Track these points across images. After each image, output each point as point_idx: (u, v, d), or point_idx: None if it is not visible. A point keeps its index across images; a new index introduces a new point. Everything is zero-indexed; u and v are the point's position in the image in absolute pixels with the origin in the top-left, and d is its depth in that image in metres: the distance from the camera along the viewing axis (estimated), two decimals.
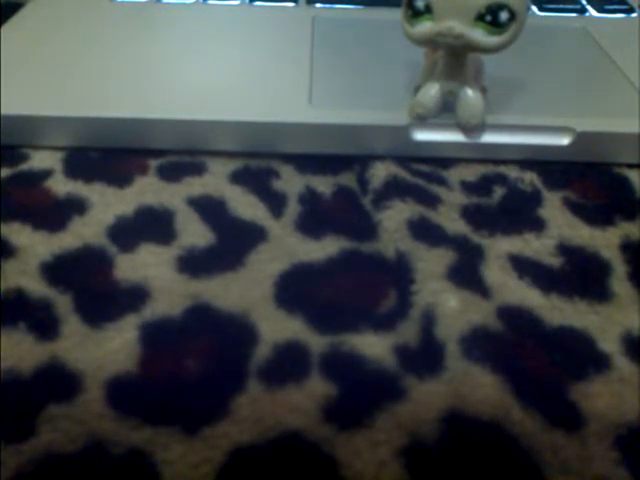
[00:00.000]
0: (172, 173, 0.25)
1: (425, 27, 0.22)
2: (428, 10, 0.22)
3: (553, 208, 0.24)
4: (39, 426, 0.17)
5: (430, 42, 0.23)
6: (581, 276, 0.22)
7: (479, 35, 0.22)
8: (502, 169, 0.26)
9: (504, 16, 0.21)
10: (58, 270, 0.21)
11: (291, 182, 0.25)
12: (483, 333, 0.20)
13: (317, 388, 0.18)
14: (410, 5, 0.22)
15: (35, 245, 0.22)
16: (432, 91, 0.25)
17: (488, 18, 0.21)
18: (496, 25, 0.21)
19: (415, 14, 0.22)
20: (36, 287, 0.21)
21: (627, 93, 0.28)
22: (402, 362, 0.19)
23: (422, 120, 0.25)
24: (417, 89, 0.26)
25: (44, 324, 0.19)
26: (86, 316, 0.20)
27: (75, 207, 0.23)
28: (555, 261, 0.22)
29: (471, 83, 0.24)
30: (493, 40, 0.22)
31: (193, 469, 0.16)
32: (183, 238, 0.23)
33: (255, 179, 0.25)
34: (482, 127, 0.25)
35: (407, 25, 0.23)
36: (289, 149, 0.26)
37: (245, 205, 0.24)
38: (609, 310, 0.21)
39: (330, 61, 0.29)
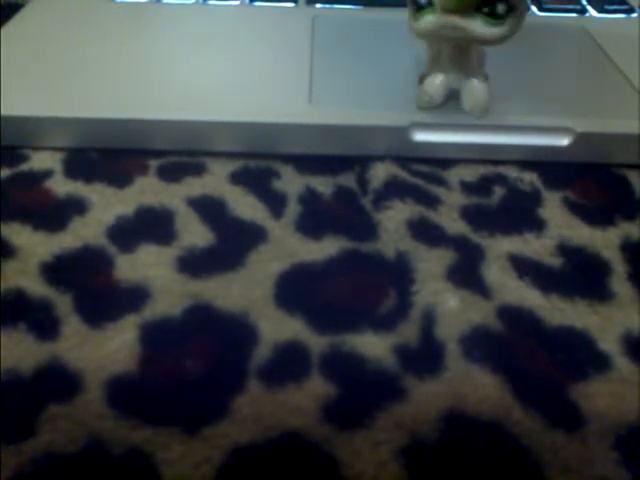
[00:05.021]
0: (172, 173, 0.25)
1: (428, 21, 0.22)
2: (430, 4, 0.22)
3: (553, 208, 0.24)
4: (39, 426, 0.17)
5: (434, 35, 0.23)
6: (581, 276, 0.22)
7: (479, 26, 0.22)
8: (502, 169, 0.26)
9: (501, 8, 0.22)
10: (58, 270, 0.21)
11: (291, 182, 0.25)
12: (483, 333, 0.20)
13: (317, 388, 0.18)
14: (414, 1, 0.23)
15: (35, 245, 0.22)
16: (437, 80, 0.25)
17: (485, 9, 0.22)
18: (494, 17, 0.22)
19: (419, 9, 0.22)
20: (36, 287, 0.21)
21: (627, 94, 0.28)
22: (402, 362, 0.19)
23: (428, 109, 0.25)
24: (422, 78, 0.26)
25: (44, 324, 0.19)
26: (86, 316, 0.20)
27: (75, 207, 0.24)
28: (555, 261, 0.22)
29: (476, 73, 0.25)
30: (493, 31, 0.22)
31: (193, 469, 0.16)
32: (183, 238, 0.23)
33: (255, 179, 0.25)
34: (487, 114, 0.26)
35: (412, 21, 0.23)
36: (289, 150, 0.26)
37: (245, 205, 0.24)
38: (609, 310, 0.21)
39: (330, 61, 0.29)
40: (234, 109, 0.26)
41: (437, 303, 0.20)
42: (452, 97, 0.26)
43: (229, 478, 0.16)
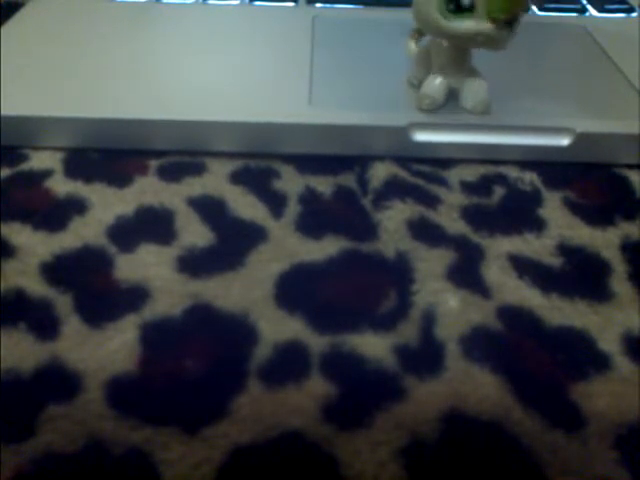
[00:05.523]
0: (172, 173, 0.25)
1: (467, 24, 0.22)
2: (471, 8, 0.22)
3: (553, 208, 0.24)
4: (39, 426, 0.17)
5: (466, 39, 0.23)
6: (581, 276, 0.22)
7: (505, 35, 0.22)
8: (502, 169, 0.26)
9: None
10: (58, 270, 0.21)
11: (291, 182, 0.25)
12: (483, 333, 0.20)
13: (317, 388, 0.18)
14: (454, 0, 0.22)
15: (35, 245, 0.22)
16: (437, 82, 0.25)
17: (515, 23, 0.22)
18: (511, 24, 0.22)
19: (458, 9, 0.22)
20: (36, 287, 0.21)
21: (627, 94, 0.28)
22: (402, 362, 0.19)
23: (430, 111, 0.25)
24: (413, 80, 0.27)
25: (44, 324, 0.19)
26: (86, 316, 0.20)
27: (75, 207, 0.24)
28: (555, 261, 0.22)
29: (475, 72, 0.25)
30: (508, 37, 0.23)
31: (193, 469, 0.16)
32: (183, 238, 0.23)
33: (255, 179, 0.25)
34: (489, 111, 0.26)
35: (441, 18, 0.23)
36: (289, 150, 0.26)
37: (245, 205, 0.24)
38: (609, 310, 0.21)
39: (330, 61, 0.29)
40: (234, 109, 0.26)
41: (437, 303, 0.20)
42: (451, 97, 0.26)
43: (229, 478, 0.16)
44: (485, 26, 0.22)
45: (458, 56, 0.25)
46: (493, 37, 0.22)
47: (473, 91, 0.25)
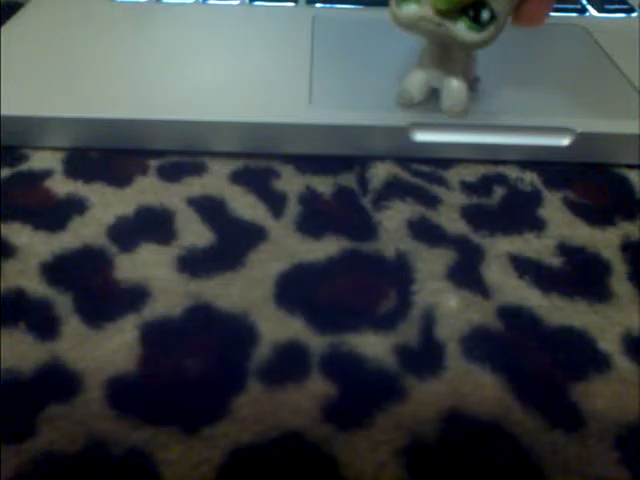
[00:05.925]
0: (172, 173, 0.25)
1: (411, 9, 0.22)
2: None
3: (553, 208, 0.24)
4: (39, 426, 0.17)
5: (413, 26, 0.23)
6: (581, 276, 0.22)
7: (461, 29, 0.22)
8: (502, 169, 0.26)
9: (485, 15, 0.22)
10: (58, 270, 0.21)
11: (291, 182, 0.25)
12: (483, 333, 0.20)
13: (317, 388, 0.18)
14: None
15: (35, 245, 0.22)
16: (416, 78, 0.25)
17: (471, 13, 0.22)
18: (477, 22, 0.22)
19: None
20: (36, 287, 0.21)
21: (627, 94, 0.28)
22: (402, 362, 0.19)
23: (407, 106, 0.26)
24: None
25: (44, 324, 0.19)
26: (86, 316, 0.20)
27: (75, 207, 0.24)
28: (555, 261, 0.22)
29: (456, 73, 0.25)
30: (473, 36, 0.22)
31: (193, 469, 0.16)
32: (183, 238, 0.23)
33: (255, 179, 0.25)
34: (465, 115, 0.25)
35: (394, 6, 0.23)
36: (289, 150, 0.26)
37: (245, 205, 0.24)
38: (609, 310, 0.21)
39: (330, 61, 0.29)
40: (234, 109, 0.26)
41: (437, 303, 0.20)
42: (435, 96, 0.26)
43: (229, 478, 0.16)
44: (426, 11, 0.22)
45: (441, 55, 0.24)
46: (442, 27, 0.22)
47: (450, 92, 0.25)
